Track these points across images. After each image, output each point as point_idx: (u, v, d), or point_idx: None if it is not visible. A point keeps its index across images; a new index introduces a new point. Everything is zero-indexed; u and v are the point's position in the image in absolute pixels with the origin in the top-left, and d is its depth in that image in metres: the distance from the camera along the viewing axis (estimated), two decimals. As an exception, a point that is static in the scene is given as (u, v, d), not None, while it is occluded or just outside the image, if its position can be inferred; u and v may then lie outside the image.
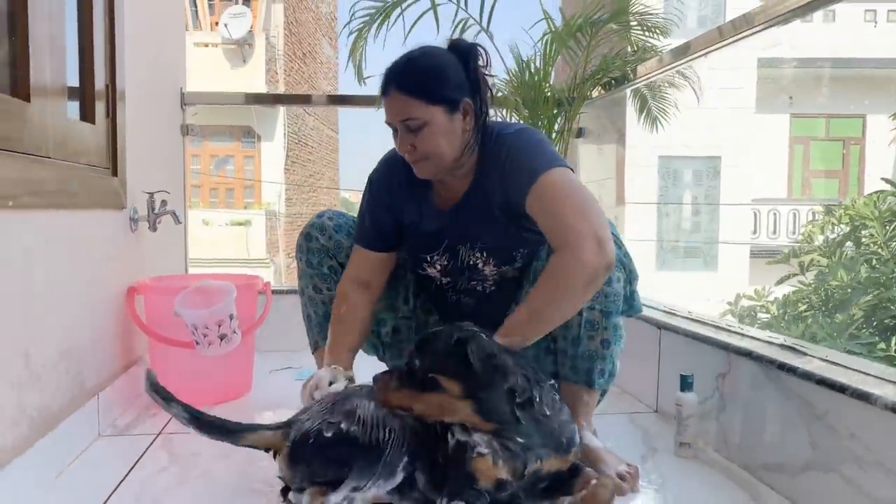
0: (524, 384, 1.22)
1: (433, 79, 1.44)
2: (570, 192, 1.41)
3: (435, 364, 1.23)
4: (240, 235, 12.70)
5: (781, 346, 1.55)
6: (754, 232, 12.03)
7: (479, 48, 1.50)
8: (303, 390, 1.46)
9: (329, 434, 1.26)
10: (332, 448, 1.25)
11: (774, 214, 12.16)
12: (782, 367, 1.40)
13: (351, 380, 1.49)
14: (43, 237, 1.46)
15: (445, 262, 1.62)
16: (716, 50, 1.87)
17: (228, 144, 13.76)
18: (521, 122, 2.61)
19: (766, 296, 5.67)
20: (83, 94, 1.78)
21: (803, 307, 5.04)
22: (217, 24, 12.61)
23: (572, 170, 1.49)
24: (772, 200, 12.08)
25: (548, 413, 1.24)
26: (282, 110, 13.29)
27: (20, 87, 1.37)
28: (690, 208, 11.75)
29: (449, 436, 1.24)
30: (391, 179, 1.62)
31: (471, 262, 1.59)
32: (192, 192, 13.70)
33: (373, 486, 1.21)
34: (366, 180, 1.68)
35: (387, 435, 1.25)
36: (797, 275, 5.28)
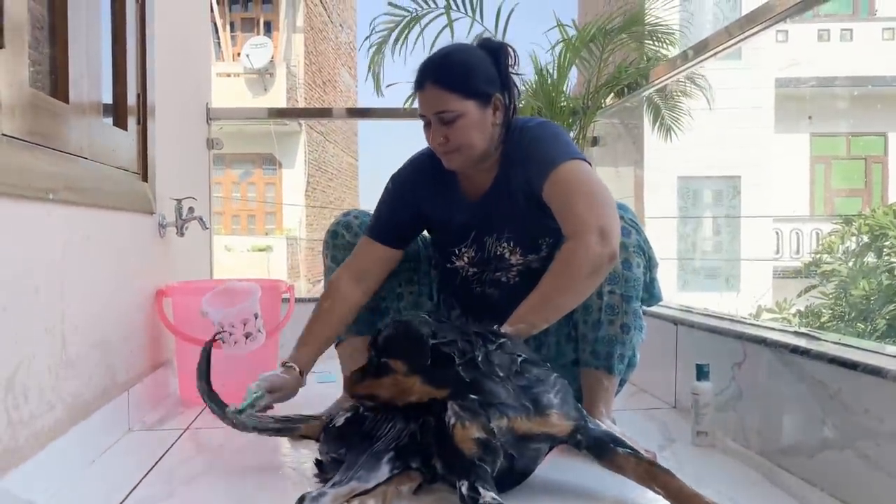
0: (465, 347, 1.30)
1: (467, 73, 1.51)
2: (583, 184, 1.48)
3: (383, 350, 1.34)
4: (261, 261, 12.85)
5: (795, 332, 1.57)
6: (777, 251, 11.92)
7: (508, 47, 1.58)
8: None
9: (349, 415, 1.44)
10: (345, 427, 1.42)
11: (797, 234, 12.05)
12: (796, 350, 1.42)
13: (291, 383, 1.56)
14: (80, 232, 1.53)
15: (473, 254, 1.66)
16: (724, 49, 1.92)
17: (250, 172, 14.00)
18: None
19: (788, 308, 5.63)
20: (116, 103, 1.87)
21: (825, 318, 5.00)
22: (239, 54, 12.92)
23: (590, 163, 1.54)
24: (794, 219, 11.98)
25: (501, 374, 1.29)
26: (302, 138, 13.51)
27: (59, 90, 1.46)
28: (711, 229, 11.70)
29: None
30: (417, 177, 1.68)
31: (497, 252, 1.64)
32: (215, 218, 13.90)
33: (352, 479, 1.25)
34: (390, 179, 1.73)
35: (385, 429, 1.36)
36: (817, 286, 5.24)
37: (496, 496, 1.16)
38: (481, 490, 1.17)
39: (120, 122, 1.86)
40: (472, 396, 1.27)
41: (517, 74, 1.60)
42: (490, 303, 1.70)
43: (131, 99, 1.93)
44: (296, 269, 13.44)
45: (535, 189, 1.52)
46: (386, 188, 1.73)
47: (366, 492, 1.24)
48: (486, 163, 1.58)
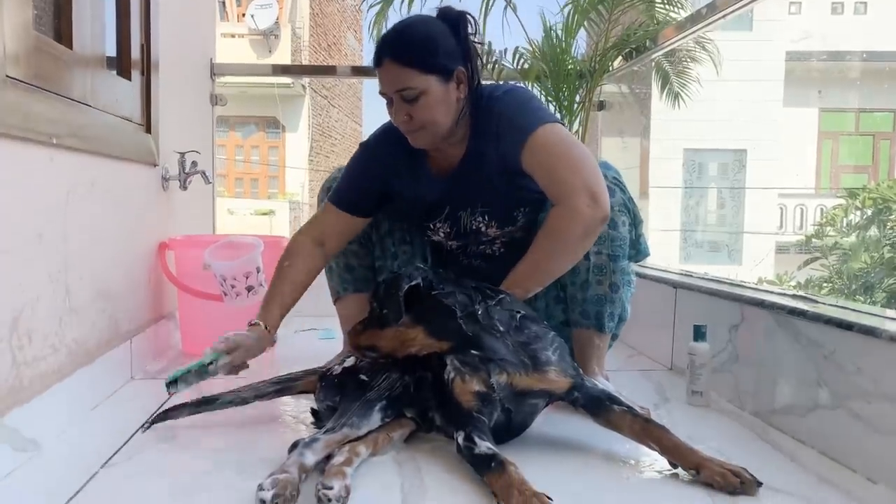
0: (465, 300, 1.32)
1: (426, 48, 1.45)
2: (563, 148, 1.45)
3: (385, 301, 1.35)
4: (264, 224, 12.86)
5: (794, 296, 1.58)
6: (780, 226, 11.89)
7: (468, 16, 1.51)
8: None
9: (346, 365, 1.46)
10: (341, 376, 1.43)
11: (801, 209, 12.01)
12: (793, 311, 1.43)
13: (253, 340, 1.52)
14: (83, 180, 1.53)
15: (448, 229, 1.64)
16: (733, 11, 1.89)
17: (254, 135, 13.94)
18: (541, 92, 2.65)
19: (789, 280, 5.64)
20: (120, 54, 1.86)
21: (825, 290, 5.01)
22: (244, 15, 12.77)
23: (563, 124, 1.53)
24: (799, 195, 11.93)
25: (501, 329, 1.31)
26: (306, 102, 13.42)
27: (63, 35, 1.45)
28: (715, 202, 11.66)
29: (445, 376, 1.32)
30: (389, 149, 1.62)
31: (473, 227, 1.62)
32: (218, 180, 13.87)
33: (344, 426, 1.26)
34: (360, 146, 1.69)
35: (380, 380, 1.37)
36: (819, 258, 5.25)
37: (492, 446, 1.18)
38: (477, 440, 1.19)
39: (124, 73, 1.85)
40: (473, 352, 1.29)
41: (479, 44, 1.55)
42: (480, 274, 1.70)
43: (135, 51, 1.92)
44: (299, 234, 13.45)
45: (511, 162, 1.48)
46: (354, 156, 1.68)
47: (357, 438, 1.26)
48: (455, 137, 1.53)
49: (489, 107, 1.51)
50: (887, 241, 4.59)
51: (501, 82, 2.60)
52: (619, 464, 1.29)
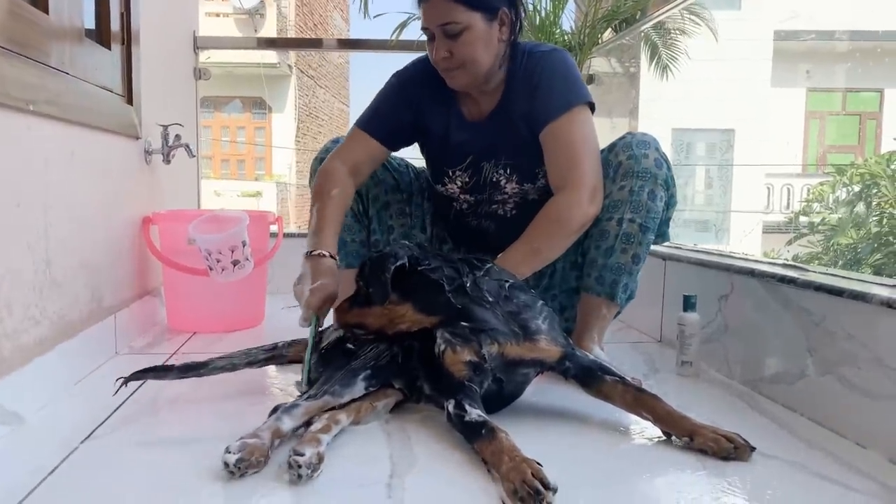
0: (452, 273, 1.30)
1: None
2: (588, 139, 1.48)
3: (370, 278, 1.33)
4: (251, 206, 12.77)
5: (784, 264, 1.58)
6: (767, 206, 11.95)
7: None
8: (296, 289, 1.47)
9: (334, 339, 1.44)
10: (329, 349, 1.42)
11: (788, 189, 12.07)
12: (783, 279, 1.43)
13: (334, 278, 1.45)
14: (63, 150, 1.50)
15: (467, 179, 1.63)
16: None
17: (239, 115, 13.79)
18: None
19: (776, 257, 5.66)
20: (99, 22, 1.81)
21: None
22: (229, -7, 12.57)
23: (593, 102, 1.54)
24: (786, 174, 11.98)
25: (490, 300, 1.29)
26: (293, 82, 13.27)
27: (38, 0, 1.40)
28: (703, 181, 11.68)
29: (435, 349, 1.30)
30: (424, 79, 1.60)
31: (493, 179, 1.61)
32: (204, 163, 13.75)
33: (326, 393, 1.25)
34: (392, 76, 1.65)
35: (367, 349, 1.36)
36: (807, 234, 5.27)
37: (482, 413, 1.17)
38: (468, 407, 1.18)
39: (103, 42, 1.80)
40: (463, 323, 1.27)
41: None
42: (485, 236, 1.69)
43: (114, 20, 1.87)
44: (286, 216, 13.37)
45: (535, 124, 1.49)
46: (388, 83, 1.65)
47: (340, 406, 1.25)
48: (490, 84, 1.54)
49: (531, 61, 1.52)
50: (875, 216, 4.61)
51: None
52: (610, 432, 1.28)
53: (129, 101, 1.93)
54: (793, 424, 1.31)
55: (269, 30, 12.56)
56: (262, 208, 12.56)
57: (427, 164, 1.72)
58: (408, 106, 1.61)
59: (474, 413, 1.17)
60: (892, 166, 4.61)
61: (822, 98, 12.83)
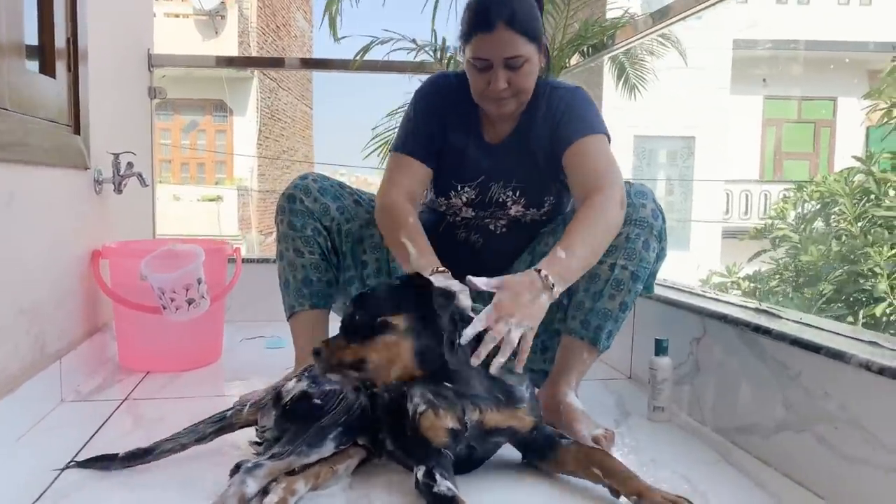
0: (450, 328, 1.19)
1: (535, 16, 1.49)
2: (613, 160, 1.51)
3: (380, 307, 1.20)
4: (211, 211, 12.51)
5: (756, 309, 1.55)
6: (726, 212, 12.16)
7: None
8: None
9: (297, 393, 1.32)
10: (293, 405, 1.30)
11: (746, 195, 12.29)
12: (757, 329, 1.40)
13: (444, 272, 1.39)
14: (1, 191, 1.39)
15: (473, 196, 1.63)
16: (693, 14, 1.85)
17: (199, 118, 13.51)
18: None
19: (738, 272, 5.74)
20: (42, 46, 1.70)
21: (774, 283, 5.10)
22: (188, -6, 12.31)
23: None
24: (744, 181, 12.20)
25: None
26: (254, 84, 13.05)
27: (-28, 31, 1.31)
28: (664, 189, 11.82)
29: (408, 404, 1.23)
30: (446, 94, 1.62)
31: (500, 199, 1.62)
32: (163, 166, 13.44)
33: (293, 453, 1.18)
34: (415, 94, 1.67)
35: (334, 403, 1.27)
36: (768, 251, 5.34)
37: (452, 487, 1.11)
38: (438, 477, 1.12)
39: (47, 69, 1.70)
40: (447, 385, 1.20)
41: None
42: (471, 252, 1.67)
43: (60, 42, 1.76)
44: (247, 221, 13.14)
45: (559, 147, 1.51)
46: (413, 105, 1.65)
47: (304, 466, 1.18)
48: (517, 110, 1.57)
49: (556, 94, 1.57)
50: (834, 235, 4.68)
51: None
52: (580, 490, 1.24)
53: (77, 130, 1.83)
54: (767, 482, 1.28)
55: (230, 31, 12.33)
56: (223, 214, 12.38)
57: (435, 176, 1.65)
58: (438, 119, 1.62)
59: (444, 485, 1.11)
60: (851, 185, 4.69)
61: (778, 105, 13.11)
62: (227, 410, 1.38)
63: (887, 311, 4.33)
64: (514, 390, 1.25)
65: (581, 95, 1.59)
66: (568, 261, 1.31)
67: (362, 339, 1.20)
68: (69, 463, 1.30)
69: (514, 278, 1.28)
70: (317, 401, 1.30)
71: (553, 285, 1.27)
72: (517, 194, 1.61)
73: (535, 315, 1.25)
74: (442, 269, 1.38)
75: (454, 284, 1.28)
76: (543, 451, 1.27)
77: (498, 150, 1.60)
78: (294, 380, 1.36)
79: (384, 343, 1.18)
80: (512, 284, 1.26)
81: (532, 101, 1.56)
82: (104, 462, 1.29)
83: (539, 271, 1.28)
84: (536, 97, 1.56)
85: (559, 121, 1.53)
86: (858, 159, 5.14)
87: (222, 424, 1.35)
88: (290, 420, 1.30)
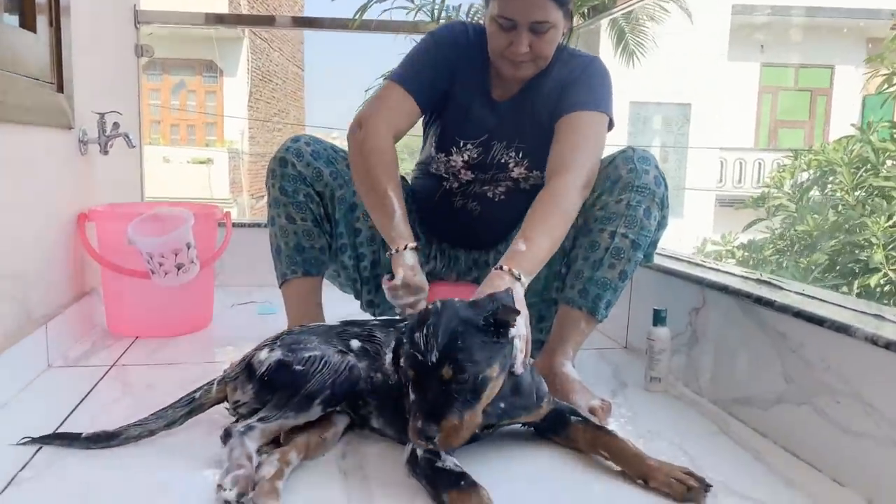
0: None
1: None
2: (599, 141, 1.50)
3: (478, 364, 1.05)
4: (202, 174, 12.36)
5: (758, 280, 1.53)
6: (720, 180, 12.12)
7: None
8: (390, 292, 1.37)
9: (273, 363, 1.26)
10: (272, 374, 1.24)
11: (740, 163, 12.24)
12: (759, 300, 1.37)
13: (416, 250, 1.39)
14: (-22, 151, 1.34)
15: (475, 154, 1.60)
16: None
17: (189, 79, 13.28)
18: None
19: (733, 241, 5.72)
20: (22, 0, 1.63)
21: (769, 252, 5.09)
22: (176, -49, 12.00)
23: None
24: (739, 149, 12.14)
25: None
26: (245, 44, 12.81)
27: (-54, -18, 1.24)
28: (659, 156, 11.76)
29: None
30: (460, 44, 1.58)
31: (502, 160, 1.60)
32: (153, 127, 13.24)
33: (281, 417, 1.18)
34: (428, 35, 1.62)
35: (318, 367, 1.24)
36: (764, 220, 5.32)
37: (458, 463, 1.09)
38: (442, 453, 1.08)
39: (27, 23, 1.63)
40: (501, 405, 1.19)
41: None
42: (467, 220, 1.64)
43: (41, -3, 1.69)
44: (238, 184, 13.01)
45: (560, 109, 1.49)
46: (426, 43, 1.59)
47: (293, 430, 1.18)
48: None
49: (575, 60, 1.56)
50: (831, 205, 4.65)
51: None
52: (582, 469, 1.22)
53: (60, 88, 1.76)
54: (766, 455, 1.27)
55: (219, -8, 12.04)
56: (213, 176, 12.23)
57: (433, 131, 1.64)
58: (445, 67, 1.57)
59: (450, 461, 1.08)
60: (850, 154, 4.63)
61: (775, 73, 12.98)
62: (196, 391, 1.31)
63: (881, 281, 4.33)
64: (541, 386, 1.25)
65: (601, 68, 1.57)
66: (529, 252, 1.31)
67: (466, 403, 1.05)
68: (23, 439, 1.23)
69: (493, 284, 1.25)
70: (298, 367, 1.25)
71: (520, 276, 1.27)
72: (520, 155, 1.59)
73: (524, 313, 1.24)
74: (413, 244, 1.39)
75: (416, 284, 1.36)
76: (555, 428, 1.27)
77: (504, 108, 1.58)
78: (266, 349, 1.30)
79: (469, 418, 1.06)
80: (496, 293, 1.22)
81: (548, 65, 1.53)
82: (66, 440, 1.24)
83: (502, 268, 1.27)
84: (552, 62, 1.53)
85: (569, 85, 1.52)
86: (857, 128, 5.09)
87: (192, 406, 1.27)
88: (271, 391, 1.24)
